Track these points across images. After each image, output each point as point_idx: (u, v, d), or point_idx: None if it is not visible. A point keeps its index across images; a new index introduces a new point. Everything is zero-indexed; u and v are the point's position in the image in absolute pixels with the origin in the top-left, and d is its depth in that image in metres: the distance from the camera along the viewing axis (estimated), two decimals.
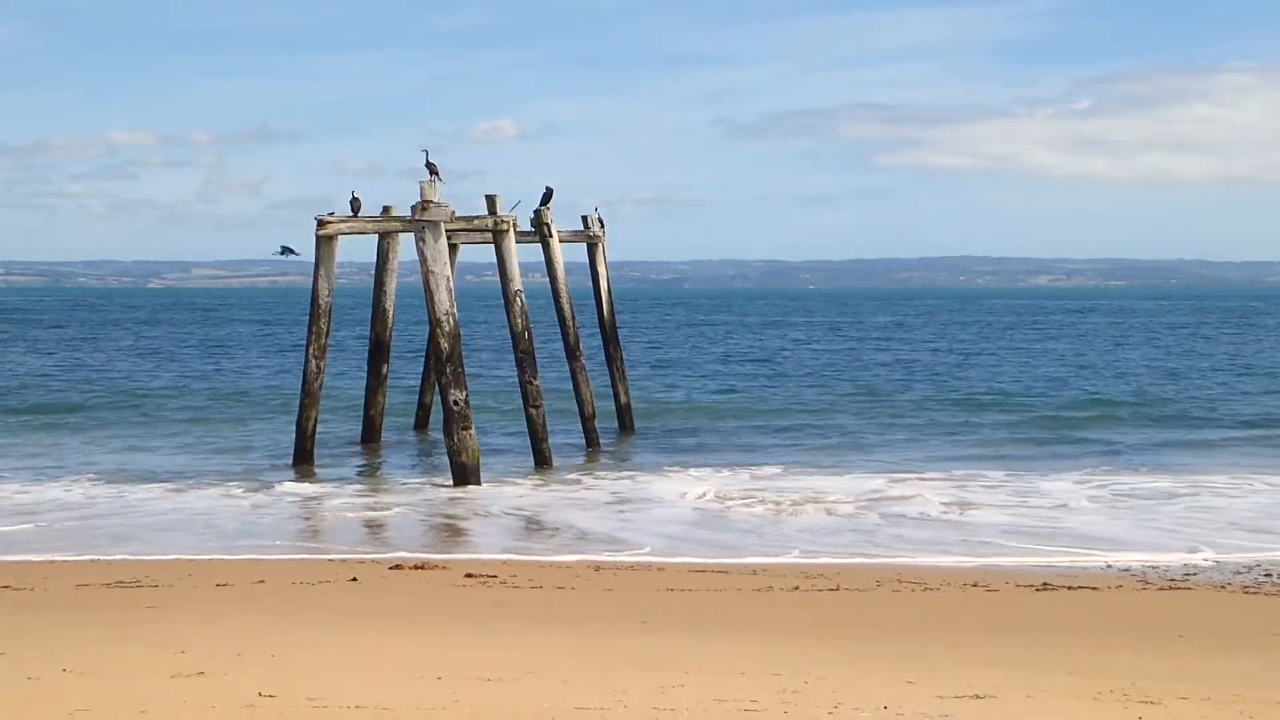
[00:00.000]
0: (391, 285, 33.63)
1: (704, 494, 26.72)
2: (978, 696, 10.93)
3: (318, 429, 30.85)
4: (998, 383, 55.20)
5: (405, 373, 47.66)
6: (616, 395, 37.61)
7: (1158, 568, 19.37)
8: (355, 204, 29.16)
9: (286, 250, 29.16)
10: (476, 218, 28.70)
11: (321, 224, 28.82)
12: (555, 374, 42.02)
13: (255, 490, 27.38)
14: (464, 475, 26.43)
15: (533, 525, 24.08)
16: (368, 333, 34.60)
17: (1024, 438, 37.02)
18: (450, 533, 23.63)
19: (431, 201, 26.27)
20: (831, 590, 17.36)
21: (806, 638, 14.02)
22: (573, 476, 28.91)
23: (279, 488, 27.70)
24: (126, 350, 75.47)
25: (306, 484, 28.25)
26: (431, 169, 27.12)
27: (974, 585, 17.72)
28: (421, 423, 37.21)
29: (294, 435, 31.05)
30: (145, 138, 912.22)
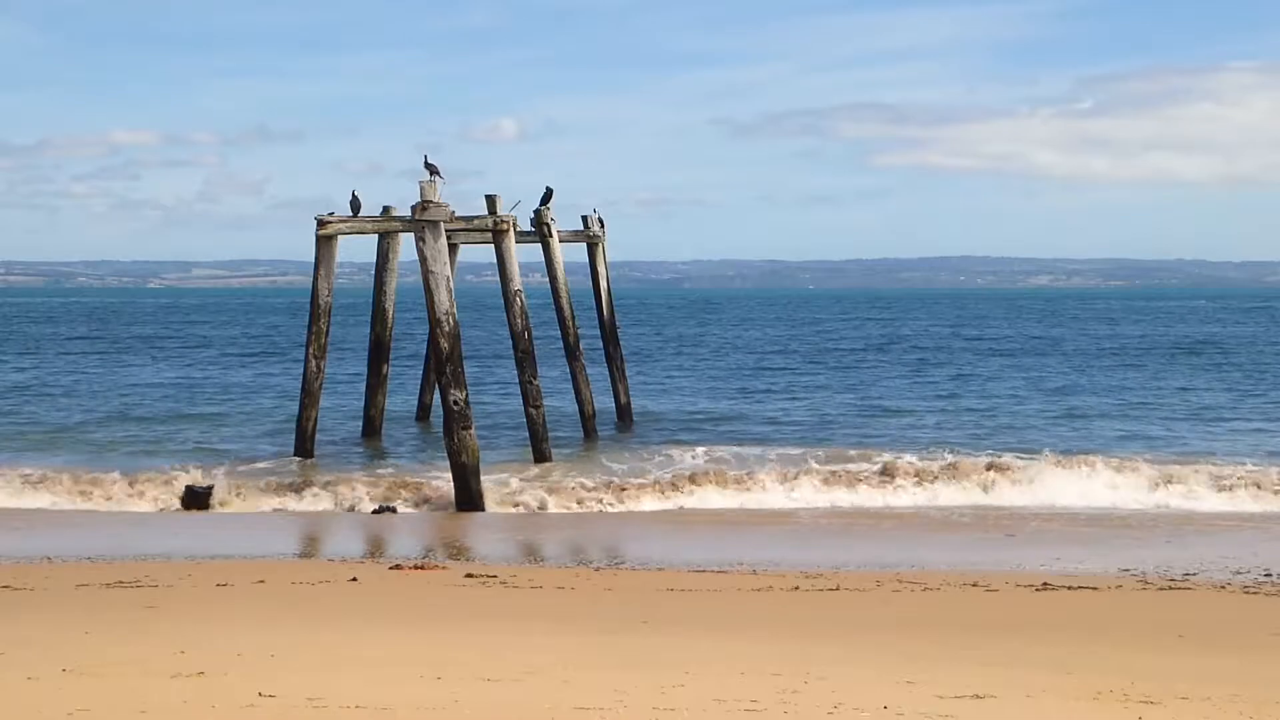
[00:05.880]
0: (391, 285, 33.65)
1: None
2: (978, 696, 10.92)
3: (317, 428, 30.83)
4: None
5: (406, 373, 47.65)
6: (616, 395, 37.61)
7: (1158, 567, 19.38)
8: (355, 204, 29.15)
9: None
10: (476, 218, 28.70)
11: (321, 224, 28.81)
12: (556, 374, 41.99)
13: (255, 489, 27.36)
14: (464, 475, 26.38)
15: (533, 525, 24.07)
16: (368, 333, 34.64)
17: None
18: (450, 533, 23.63)
19: (431, 201, 26.26)
20: (831, 590, 17.36)
21: (806, 638, 14.01)
22: (573, 476, 28.89)
23: (279, 487, 27.68)
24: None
25: (306, 484, 28.22)
26: (432, 169, 27.10)
27: (974, 585, 17.72)
28: (422, 420, 37.27)
29: (294, 435, 31.04)
30: (147, 137, 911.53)
